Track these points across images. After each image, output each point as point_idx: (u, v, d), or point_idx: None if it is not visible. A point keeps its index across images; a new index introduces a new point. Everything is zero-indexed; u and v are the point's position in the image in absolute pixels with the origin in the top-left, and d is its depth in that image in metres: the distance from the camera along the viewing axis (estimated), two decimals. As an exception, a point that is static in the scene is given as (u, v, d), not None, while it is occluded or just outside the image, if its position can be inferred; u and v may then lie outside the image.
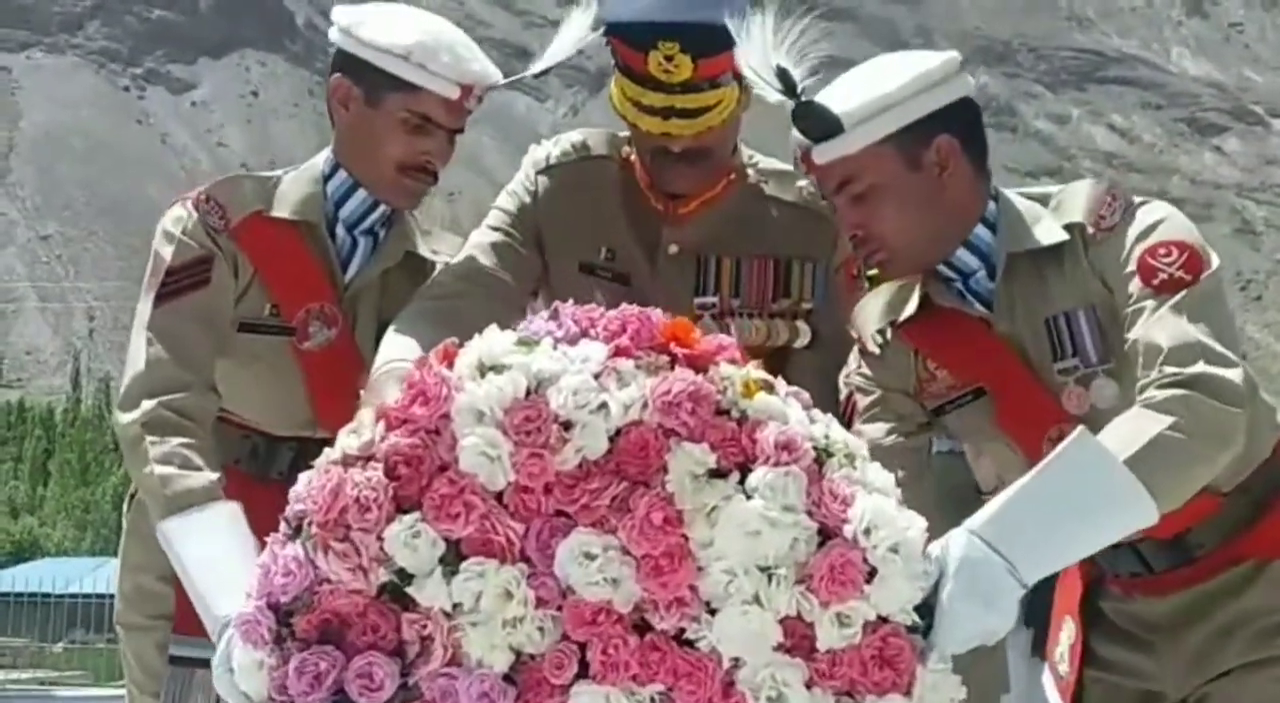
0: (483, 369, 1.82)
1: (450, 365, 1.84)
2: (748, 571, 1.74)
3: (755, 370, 1.85)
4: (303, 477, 1.88)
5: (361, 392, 2.23)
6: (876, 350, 2.33)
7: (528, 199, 2.53)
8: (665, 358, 1.83)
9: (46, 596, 33.08)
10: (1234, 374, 2.02)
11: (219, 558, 2.13)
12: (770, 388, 1.84)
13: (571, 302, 1.92)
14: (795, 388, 1.88)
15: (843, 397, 2.41)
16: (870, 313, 2.35)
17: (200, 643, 2.44)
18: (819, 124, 2.16)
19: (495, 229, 2.52)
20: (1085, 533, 1.92)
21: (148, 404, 2.33)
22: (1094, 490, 1.90)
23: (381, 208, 2.55)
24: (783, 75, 2.18)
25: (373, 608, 1.78)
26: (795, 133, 2.21)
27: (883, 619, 1.76)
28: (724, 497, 1.76)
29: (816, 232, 2.48)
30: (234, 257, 2.48)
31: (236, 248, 2.49)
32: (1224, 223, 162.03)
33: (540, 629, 1.76)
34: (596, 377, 1.79)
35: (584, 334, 1.86)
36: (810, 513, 1.77)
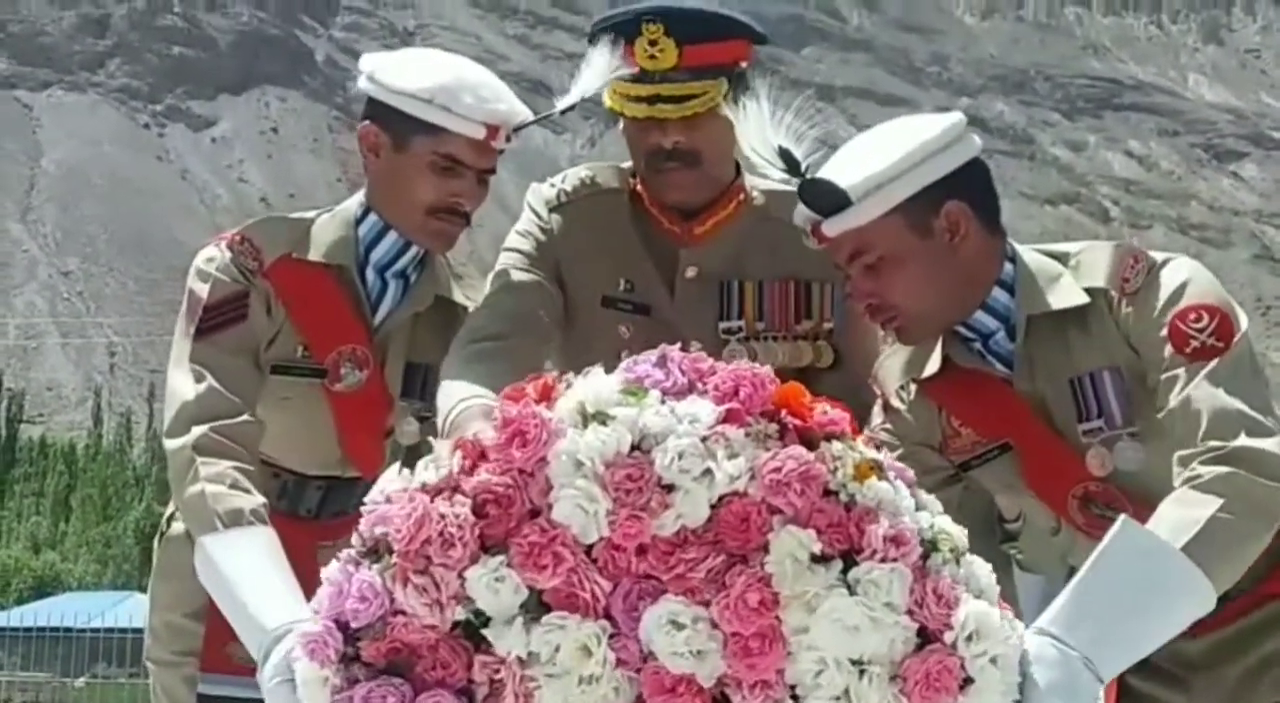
0: (586, 416, 1.77)
1: (548, 403, 1.81)
2: (840, 664, 1.70)
3: (867, 449, 1.81)
4: (378, 488, 1.84)
5: (430, 431, 2.23)
6: (902, 406, 2.33)
7: (544, 237, 2.54)
8: (775, 427, 1.79)
9: (69, 630, 33.04)
10: (1274, 444, 2.01)
11: (268, 573, 2.14)
12: (880, 469, 1.80)
13: (677, 351, 1.86)
14: (900, 465, 1.86)
15: None
16: (891, 370, 2.36)
17: (227, 680, 2.48)
18: (826, 199, 2.17)
19: (519, 269, 2.53)
20: (1152, 623, 1.90)
21: (198, 430, 2.35)
22: (1154, 580, 1.89)
23: (413, 250, 2.57)
24: (784, 155, 2.20)
25: (444, 644, 1.75)
26: (802, 207, 2.22)
27: None
28: (826, 585, 1.71)
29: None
30: (267, 297, 2.50)
31: (269, 289, 2.51)
32: (1243, 248, 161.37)
33: (616, 690, 1.72)
34: (704, 439, 1.75)
35: (691, 387, 1.81)
36: (911, 613, 1.73)
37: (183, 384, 2.41)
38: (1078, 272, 2.23)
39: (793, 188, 2.53)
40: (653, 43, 2.34)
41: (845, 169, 2.18)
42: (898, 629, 1.71)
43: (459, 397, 2.22)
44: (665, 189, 2.47)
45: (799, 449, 1.76)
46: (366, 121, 2.53)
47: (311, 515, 2.63)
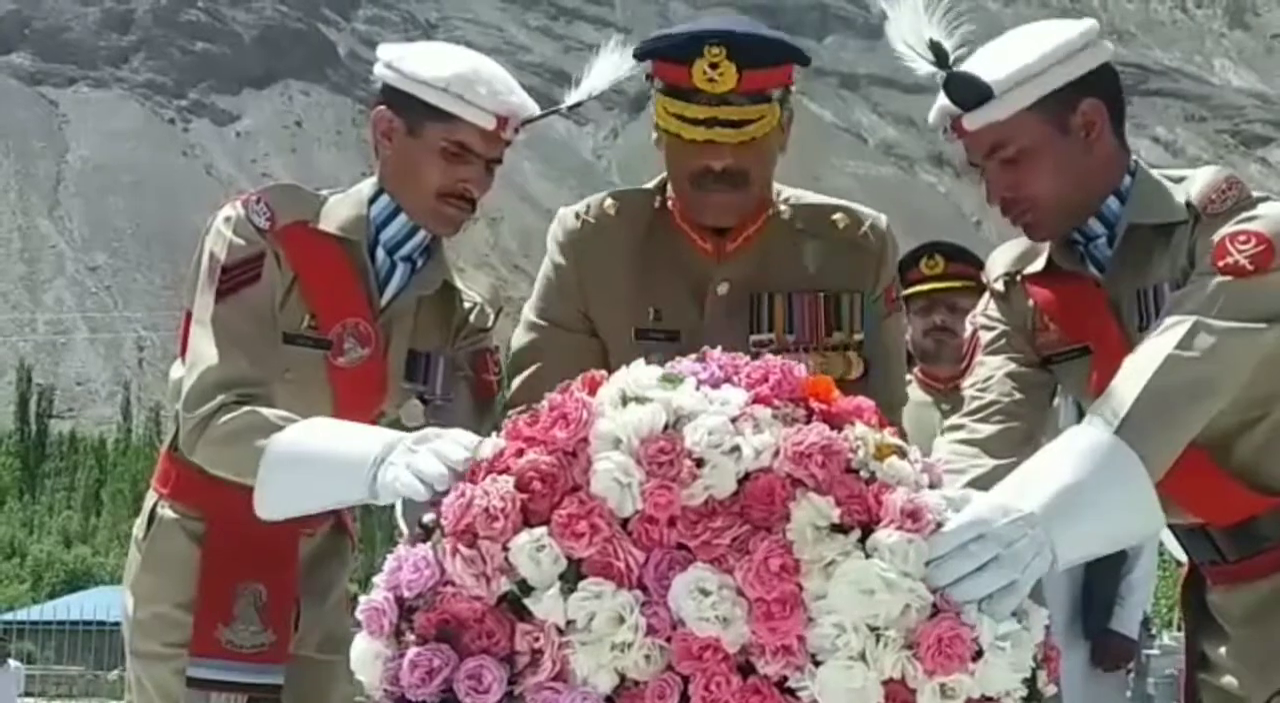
0: (625, 399, 1.85)
1: (593, 393, 1.89)
2: (857, 628, 1.75)
3: (890, 436, 1.86)
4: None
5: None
6: (1001, 289, 2.45)
7: (566, 279, 2.55)
8: (802, 411, 1.85)
9: (101, 624, 33.15)
10: (1205, 352, 2.07)
11: (339, 425, 2.28)
12: (903, 454, 1.84)
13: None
14: (930, 460, 1.89)
15: (967, 335, 2.54)
16: (1002, 259, 2.48)
17: (217, 664, 2.52)
18: (970, 92, 2.26)
19: (549, 324, 2.55)
20: (1096, 502, 1.91)
21: (223, 396, 2.39)
22: (1094, 465, 1.94)
23: (421, 234, 2.62)
24: (935, 47, 2.26)
25: (490, 615, 1.83)
26: (943, 101, 2.30)
27: (987, 698, 1.76)
28: (843, 552, 1.76)
29: (858, 263, 2.51)
30: (276, 256, 2.55)
31: (279, 249, 2.55)
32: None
33: (647, 657, 1.78)
34: (734, 420, 1.82)
35: (727, 380, 1.89)
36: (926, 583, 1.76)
37: (206, 347, 2.48)
38: (1183, 191, 2.30)
39: (823, 199, 2.58)
40: (713, 65, 2.33)
41: (988, 65, 2.27)
42: (913, 596, 1.74)
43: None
44: (706, 210, 2.47)
45: (822, 426, 1.82)
46: (381, 107, 2.60)
47: None
